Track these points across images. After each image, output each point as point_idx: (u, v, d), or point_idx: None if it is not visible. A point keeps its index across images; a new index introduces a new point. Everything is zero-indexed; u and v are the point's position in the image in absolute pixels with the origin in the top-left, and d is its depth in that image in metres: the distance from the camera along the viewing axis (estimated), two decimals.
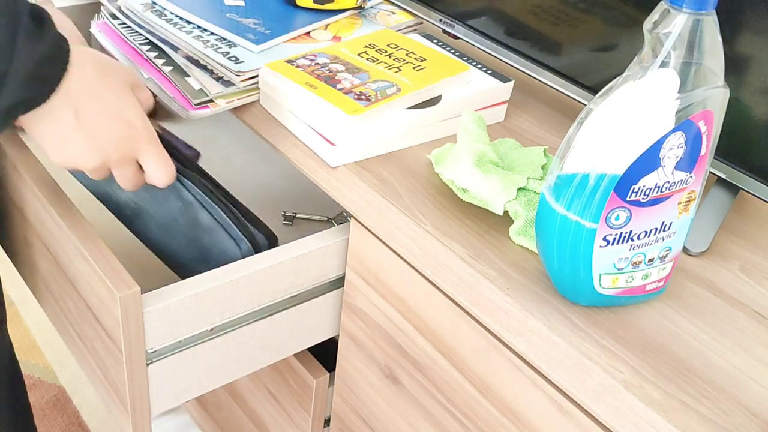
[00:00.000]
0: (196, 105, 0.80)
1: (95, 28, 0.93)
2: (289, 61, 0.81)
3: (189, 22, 0.90)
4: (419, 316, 0.73)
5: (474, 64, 0.88)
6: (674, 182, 0.56)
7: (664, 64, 0.53)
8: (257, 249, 0.77)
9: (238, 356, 0.80)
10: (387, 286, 0.76)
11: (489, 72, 0.86)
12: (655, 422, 0.52)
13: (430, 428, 0.77)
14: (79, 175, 0.83)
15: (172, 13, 0.91)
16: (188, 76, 0.83)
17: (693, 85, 0.53)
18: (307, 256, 0.78)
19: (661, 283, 0.62)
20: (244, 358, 0.80)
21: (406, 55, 0.85)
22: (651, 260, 0.59)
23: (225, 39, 0.87)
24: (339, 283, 0.83)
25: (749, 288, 0.66)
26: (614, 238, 0.56)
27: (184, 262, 0.82)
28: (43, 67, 0.55)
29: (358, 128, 0.74)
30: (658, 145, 0.53)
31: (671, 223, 0.58)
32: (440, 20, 0.96)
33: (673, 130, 0.53)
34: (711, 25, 0.53)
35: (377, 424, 0.85)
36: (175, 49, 0.86)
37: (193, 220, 0.77)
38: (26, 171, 0.81)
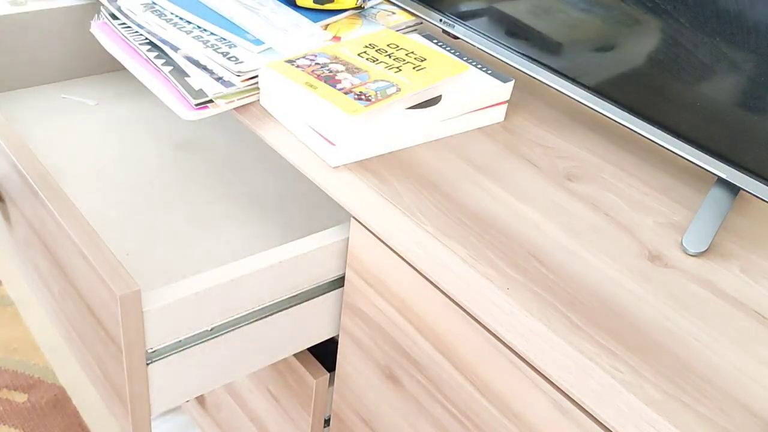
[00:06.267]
0: (196, 105, 0.80)
1: (95, 28, 0.93)
2: (289, 61, 0.81)
3: (189, 22, 0.90)
4: (419, 316, 0.73)
5: (474, 64, 0.88)
6: None
7: None
8: None
9: (238, 356, 0.79)
10: (387, 286, 0.75)
11: (489, 72, 0.86)
12: (655, 422, 0.52)
13: (430, 428, 0.77)
14: None
15: (172, 13, 0.91)
16: (188, 76, 0.83)
17: None
18: (307, 256, 0.78)
19: None
20: (244, 358, 0.80)
21: (406, 55, 0.85)
22: None
23: (225, 39, 0.87)
24: (339, 283, 0.83)
25: (749, 288, 0.66)
26: None
27: None
28: None
29: (358, 128, 0.74)
30: None
31: None
32: (440, 20, 0.96)
33: None
34: None
35: (377, 424, 0.85)
36: (175, 49, 0.86)
37: None
38: (26, 171, 0.81)
